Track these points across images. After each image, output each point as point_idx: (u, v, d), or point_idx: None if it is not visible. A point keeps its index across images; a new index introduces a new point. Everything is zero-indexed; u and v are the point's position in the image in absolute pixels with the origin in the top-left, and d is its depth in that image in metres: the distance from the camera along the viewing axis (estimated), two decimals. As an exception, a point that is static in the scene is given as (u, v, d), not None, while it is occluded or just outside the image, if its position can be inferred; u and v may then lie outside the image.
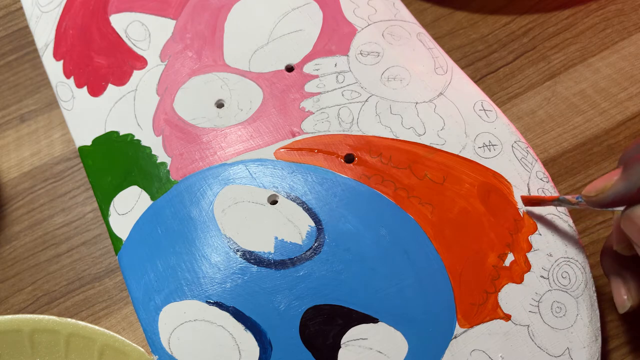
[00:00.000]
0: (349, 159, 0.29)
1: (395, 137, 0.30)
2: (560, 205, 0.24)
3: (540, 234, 0.27)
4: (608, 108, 0.35)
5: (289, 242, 0.27)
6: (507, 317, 0.26)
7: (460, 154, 0.29)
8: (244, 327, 0.26)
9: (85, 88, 0.33)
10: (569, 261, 0.27)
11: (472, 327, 0.25)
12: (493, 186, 0.28)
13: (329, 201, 0.28)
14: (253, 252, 0.27)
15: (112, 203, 0.30)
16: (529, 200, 0.27)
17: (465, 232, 0.27)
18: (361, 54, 0.32)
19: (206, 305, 0.26)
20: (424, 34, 0.34)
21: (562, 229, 0.28)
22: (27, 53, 0.41)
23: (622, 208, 0.21)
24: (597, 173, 0.33)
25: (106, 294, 0.32)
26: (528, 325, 0.25)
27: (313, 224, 0.27)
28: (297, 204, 0.28)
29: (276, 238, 0.27)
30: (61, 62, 0.35)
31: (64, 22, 0.36)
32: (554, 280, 0.26)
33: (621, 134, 0.35)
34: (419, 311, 0.26)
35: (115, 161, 0.31)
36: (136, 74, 0.33)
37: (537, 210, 0.28)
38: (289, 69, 0.32)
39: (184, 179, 0.29)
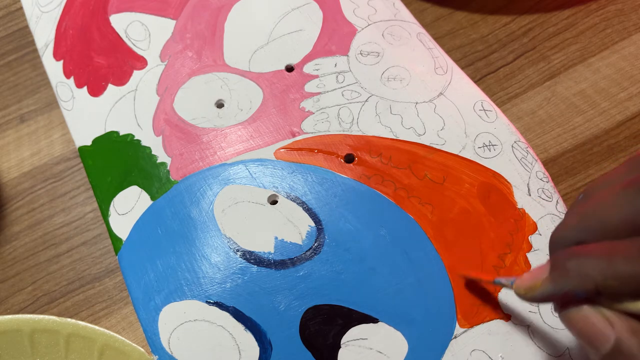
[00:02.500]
0: (349, 159, 0.29)
1: (395, 137, 0.30)
2: (496, 285, 0.24)
3: (540, 234, 0.27)
4: (608, 108, 0.35)
5: (289, 242, 0.27)
6: (507, 317, 0.26)
7: (460, 154, 0.29)
8: (244, 327, 0.26)
9: (85, 88, 0.33)
10: (569, 261, 0.27)
11: (472, 327, 0.25)
12: (493, 186, 0.28)
13: (329, 201, 0.28)
14: (253, 252, 0.27)
15: (112, 203, 0.30)
16: (468, 278, 0.26)
17: (465, 232, 0.27)
18: (361, 54, 0.32)
19: (206, 305, 0.26)
20: (424, 34, 0.34)
21: (562, 229, 0.28)
22: (27, 53, 0.41)
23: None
24: (597, 173, 0.33)
25: (106, 294, 0.32)
26: (528, 325, 0.25)
27: (313, 224, 0.27)
28: (297, 204, 0.28)
29: (276, 238, 0.27)
30: (61, 62, 0.34)
31: (64, 22, 0.36)
32: (554, 280, 0.26)
33: (621, 134, 0.35)
34: (419, 311, 0.26)
35: (115, 161, 0.31)
36: (136, 74, 0.33)
37: (536, 210, 0.28)
38: (289, 69, 0.32)
39: (184, 179, 0.29)
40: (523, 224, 0.28)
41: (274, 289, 0.26)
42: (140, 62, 0.33)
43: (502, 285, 0.23)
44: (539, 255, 0.27)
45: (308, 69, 0.32)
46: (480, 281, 0.25)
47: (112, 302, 0.32)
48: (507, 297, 0.26)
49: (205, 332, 0.26)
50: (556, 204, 0.28)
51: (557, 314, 0.20)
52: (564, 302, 0.19)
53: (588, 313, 0.19)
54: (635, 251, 0.17)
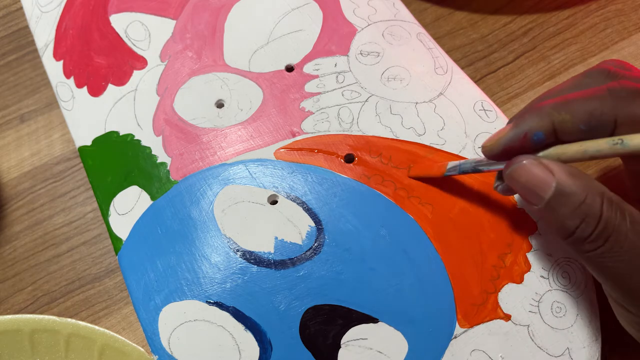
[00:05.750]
0: (349, 159, 0.29)
1: (395, 137, 0.30)
2: (447, 176, 0.25)
3: (540, 234, 0.27)
4: (608, 108, 0.35)
5: (289, 242, 0.27)
6: (507, 317, 0.26)
7: (461, 154, 0.29)
8: (244, 327, 0.26)
9: (85, 88, 0.33)
10: (569, 261, 0.27)
11: (472, 327, 0.25)
12: (493, 186, 0.28)
13: (329, 201, 0.28)
14: (253, 252, 0.27)
15: (112, 203, 0.30)
16: (418, 177, 0.26)
17: (465, 232, 0.27)
18: (361, 54, 0.32)
19: (206, 305, 0.26)
20: (424, 34, 0.34)
21: (562, 229, 0.28)
22: (27, 53, 0.41)
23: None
24: (597, 173, 0.33)
25: (106, 294, 0.32)
26: (528, 325, 0.25)
27: (313, 224, 0.27)
28: (297, 204, 0.28)
29: (276, 238, 0.27)
30: (61, 62, 0.35)
31: (64, 22, 0.36)
32: (554, 280, 0.26)
33: (621, 134, 0.34)
34: (419, 311, 0.26)
35: (115, 161, 0.31)
36: (136, 74, 0.33)
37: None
38: (289, 69, 0.32)
39: (184, 179, 0.29)
40: (523, 224, 0.28)
41: (274, 289, 0.26)
42: (140, 62, 0.33)
43: (457, 170, 0.24)
44: (539, 255, 0.27)
45: (308, 69, 0.32)
46: (430, 178, 0.26)
47: (112, 302, 0.32)
48: (507, 297, 0.26)
49: (205, 332, 0.26)
50: (556, 204, 0.28)
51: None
52: (520, 152, 0.21)
53: (529, 164, 0.21)
54: (587, 93, 0.20)
